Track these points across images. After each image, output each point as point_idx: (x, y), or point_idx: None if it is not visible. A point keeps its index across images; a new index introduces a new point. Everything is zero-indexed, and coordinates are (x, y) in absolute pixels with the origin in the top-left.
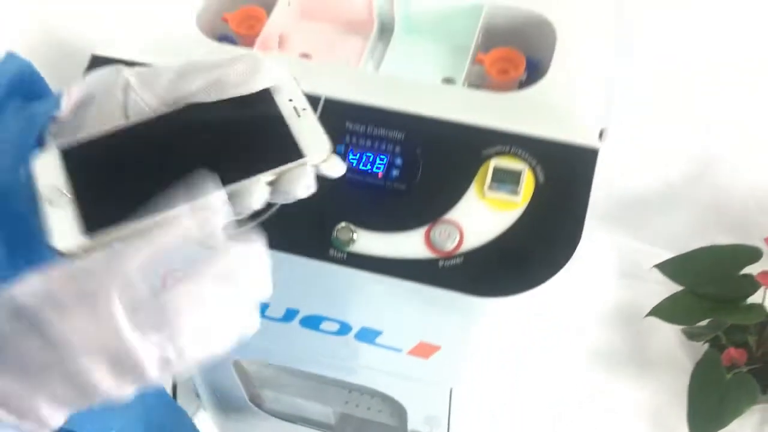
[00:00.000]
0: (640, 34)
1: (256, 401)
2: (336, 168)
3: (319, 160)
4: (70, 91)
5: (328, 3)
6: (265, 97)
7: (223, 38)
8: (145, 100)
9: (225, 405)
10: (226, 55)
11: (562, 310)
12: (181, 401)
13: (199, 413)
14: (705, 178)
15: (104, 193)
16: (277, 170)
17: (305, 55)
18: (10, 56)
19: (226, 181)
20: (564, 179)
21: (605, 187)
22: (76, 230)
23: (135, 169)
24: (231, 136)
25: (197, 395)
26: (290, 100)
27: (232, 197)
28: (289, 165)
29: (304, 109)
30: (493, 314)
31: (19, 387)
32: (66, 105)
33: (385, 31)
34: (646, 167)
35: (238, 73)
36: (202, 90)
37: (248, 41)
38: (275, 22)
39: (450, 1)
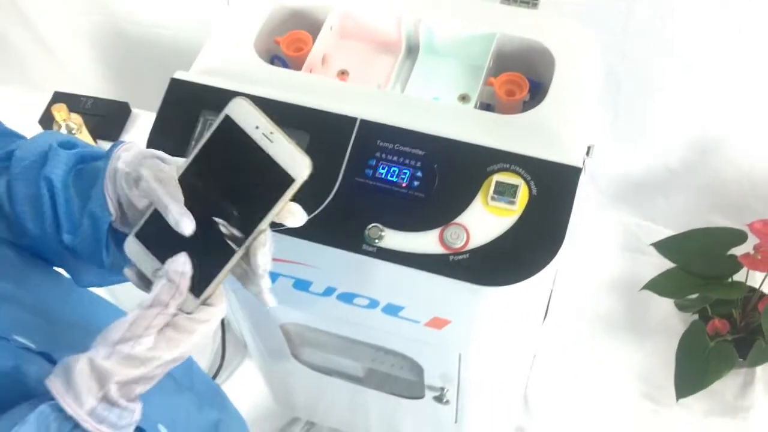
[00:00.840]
0: (644, 33)
1: (297, 355)
2: (297, 218)
3: (306, 175)
4: (109, 196)
5: (364, 27)
6: (237, 133)
7: (275, 58)
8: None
9: (269, 356)
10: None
11: (568, 277)
12: (230, 350)
13: (245, 361)
14: (703, 163)
15: None
16: (282, 201)
17: (344, 72)
18: (62, 145)
19: (251, 225)
20: (552, 192)
21: (614, 170)
22: (192, 297)
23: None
24: (236, 184)
25: (245, 346)
26: (257, 128)
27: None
28: (287, 194)
29: (272, 133)
30: (491, 298)
31: None
32: (113, 209)
33: (412, 51)
34: (650, 153)
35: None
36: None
37: (296, 61)
38: (320, 46)
39: (467, 29)
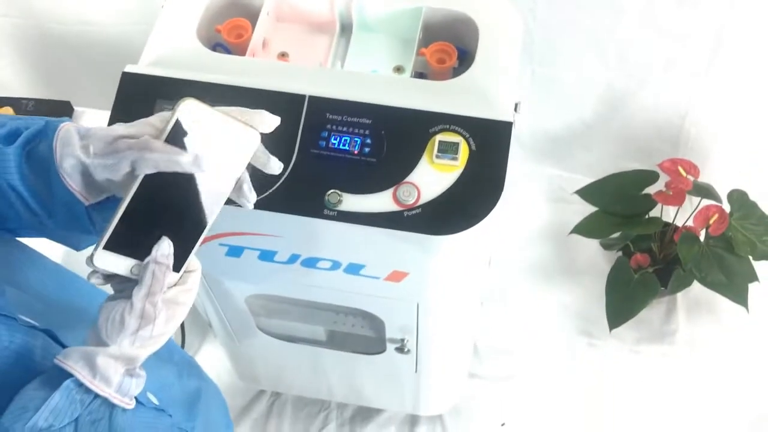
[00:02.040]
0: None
1: (261, 327)
2: (275, 166)
3: (269, 124)
4: (75, 189)
5: (298, 9)
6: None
7: (217, 45)
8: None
9: (234, 331)
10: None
11: (503, 231)
12: (189, 336)
13: (205, 344)
14: (614, 114)
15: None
16: (253, 152)
17: (284, 54)
18: (5, 140)
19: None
20: (489, 146)
21: (534, 126)
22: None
23: (158, 223)
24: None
25: (209, 325)
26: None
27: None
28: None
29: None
30: (444, 246)
31: None
32: (82, 197)
33: (346, 29)
34: (565, 108)
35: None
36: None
37: (238, 47)
38: (259, 31)
39: (395, 5)
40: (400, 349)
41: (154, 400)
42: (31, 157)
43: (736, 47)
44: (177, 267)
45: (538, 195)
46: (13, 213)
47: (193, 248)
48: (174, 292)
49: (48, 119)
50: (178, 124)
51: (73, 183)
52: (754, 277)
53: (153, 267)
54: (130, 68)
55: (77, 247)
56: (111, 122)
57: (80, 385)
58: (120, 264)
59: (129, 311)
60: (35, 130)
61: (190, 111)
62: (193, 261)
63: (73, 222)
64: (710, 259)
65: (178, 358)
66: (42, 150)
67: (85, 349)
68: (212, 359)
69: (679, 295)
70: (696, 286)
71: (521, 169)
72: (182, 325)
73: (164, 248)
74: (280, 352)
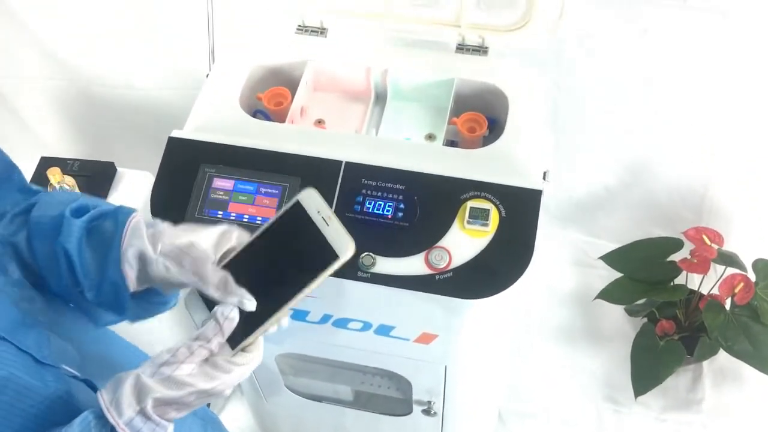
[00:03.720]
0: (573, 67)
1: (289, 385)
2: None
3: (349, 256)
4: (130, 276)
5: (335, 79)
6: (302, 215)
7: (258, 112)
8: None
9: (262, 389)
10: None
11: (529, 295)
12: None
13: (228, 405)
14: (637, 181)
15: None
16: (325, 273)
17: (320, 121)
18: (74, 213)
19: (296, 290)
20: (519, 213)
21: (560, 193)
22: (228, 348)
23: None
24: (292, 256)
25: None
26: (318, 212)
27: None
28: (330, 268)
29: (329, 217)
30: (474, 310)
31: None
32: (132, 285)
33: (380, 98)
34: (590, 175)
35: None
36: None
37: (278, 114)
38: (298, 99)
39: (428, 77)
40: (427, 411)
41: None
42: (92, 233)
43: (757, 115)
44: (235, 344)
45: (563, 259)
46: (56, 278)
47: (255, 329)
48: (220, 359)
49: (120, 206)
50: (285, 214)
51: (130, 270)
52: None
53: (210, 322)
54: (176, 133)
55: (97, 322)
56: (157, 184)
57: (100, 416)
58: (198, 312)
59: (171, 346)
60: (103, 210)
61: (307, 199)
62: (255, 344)
63: (113, 303)
64: (736, 327)
65: (202, 413)
66: (105, 228)
67: (122, 373)
68: (237, 417)
69: (705, 362)
70: (722, 354)
71: (546, 234)
72: None
73: (226, 309)
74: (306, 411)
